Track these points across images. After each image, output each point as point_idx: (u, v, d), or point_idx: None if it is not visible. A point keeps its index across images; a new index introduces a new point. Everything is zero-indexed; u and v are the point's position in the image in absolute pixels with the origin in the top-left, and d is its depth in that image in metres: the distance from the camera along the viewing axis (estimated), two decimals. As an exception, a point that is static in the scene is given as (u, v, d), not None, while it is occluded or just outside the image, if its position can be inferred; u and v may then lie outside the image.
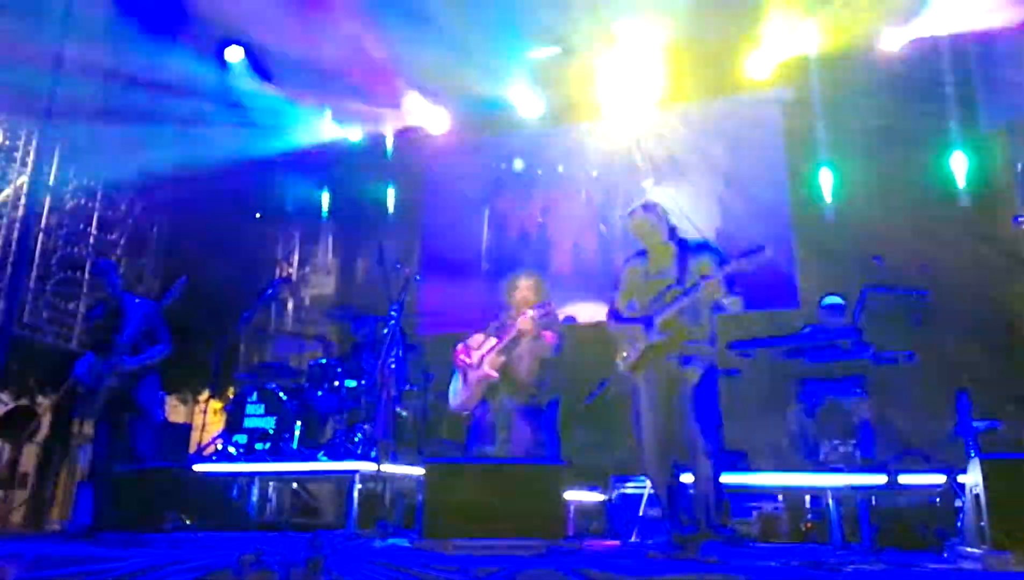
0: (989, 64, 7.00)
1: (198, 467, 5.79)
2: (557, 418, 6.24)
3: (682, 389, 3.72)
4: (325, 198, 9.50)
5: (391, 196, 9.30)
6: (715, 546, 3.38)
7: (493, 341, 4.89)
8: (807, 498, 5.55)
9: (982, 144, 6.88)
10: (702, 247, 4.10)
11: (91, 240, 7.24)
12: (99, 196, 7.33)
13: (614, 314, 4.15)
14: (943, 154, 7.02)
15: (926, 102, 7.10)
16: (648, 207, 4.17)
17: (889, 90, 7.17)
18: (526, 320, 4.70)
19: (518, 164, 9.05)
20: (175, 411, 7.14)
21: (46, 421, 7.58)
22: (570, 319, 6.73)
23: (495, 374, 4.78)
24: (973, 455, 3.92)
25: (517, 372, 4.82)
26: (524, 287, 5.01)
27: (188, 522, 4.46)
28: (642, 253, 4.17)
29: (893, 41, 7.36)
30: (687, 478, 3.69)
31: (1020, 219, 5.74)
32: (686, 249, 4.04)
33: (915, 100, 7.13)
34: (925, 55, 7.22)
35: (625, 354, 3.97)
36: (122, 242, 7.49)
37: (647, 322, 3.86)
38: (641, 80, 8.25)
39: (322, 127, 9.36)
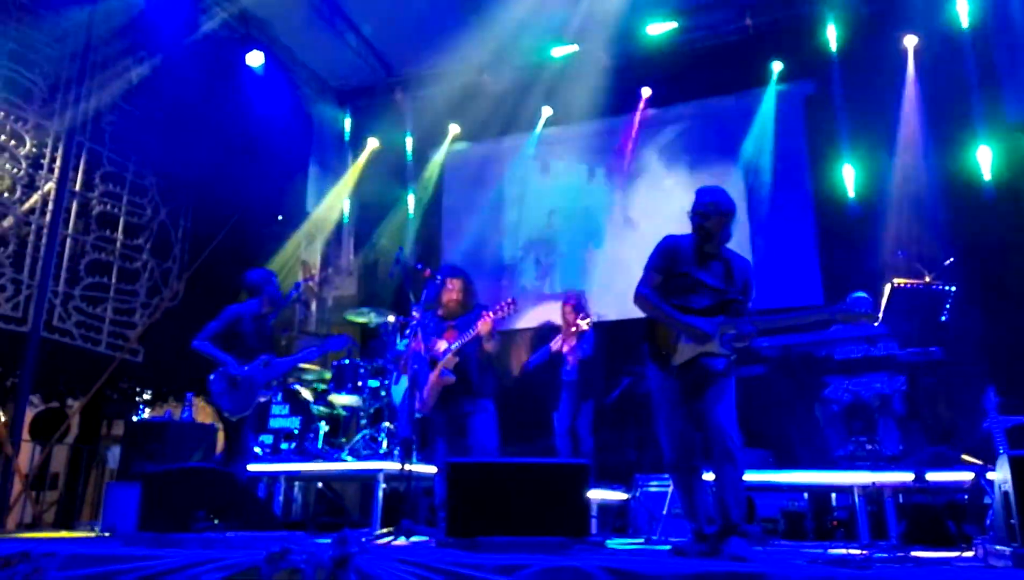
0: (1013, 54, 6.89)
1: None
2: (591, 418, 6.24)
3: (703, 387, 3.59)
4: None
5: (412, 198, 9.35)
6: (740, 544, 3.33)
7: (444, 344, 4.71)
8: (833, 495, 5.51)
9: (1008, 136, 6.77)
10: (746, 264, 3.80)
11: (118, 245, 7.33)
12: (124, 201, 7.43)
13: (654, 296, 3.65)
14: (968, 147, 6.92)
15: (950, 94, 7.02)
16: (727, 202, 3.69)
17: (913, 83, 7.10)
18: (487, 322, 4.49)
19: (534, 165, 9.05)
20: (202, 412, 7.21)
21: (76, 423, 7.72)
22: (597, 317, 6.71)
23: (453, 377, 4.61)
24: (1002, 451, 3.86)
25: (469, 373, 4.69)
26: (453, 289, 4.84)
27: (216, 522, 4.50)
28: (695, 243, 3.72)
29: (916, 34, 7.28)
30: (709, 476, 3.62)
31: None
32: (734, 261, 3.76)
33: (939, 92, 7.05)
34: (949, 47, 7.12)
35: (669, 352, 3.59)
36: (148, 246, 7.59)
37: (714, 330, 3.50)
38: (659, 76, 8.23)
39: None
